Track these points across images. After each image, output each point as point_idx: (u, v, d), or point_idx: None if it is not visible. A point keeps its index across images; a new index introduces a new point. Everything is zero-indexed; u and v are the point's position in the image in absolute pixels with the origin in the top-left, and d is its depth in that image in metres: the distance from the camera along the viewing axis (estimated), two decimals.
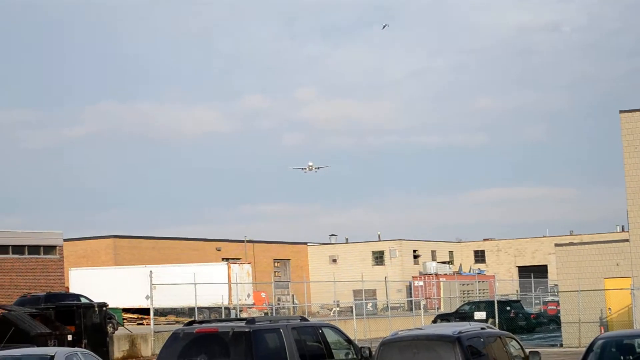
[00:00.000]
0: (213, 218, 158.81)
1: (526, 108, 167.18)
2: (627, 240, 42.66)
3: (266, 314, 76.67)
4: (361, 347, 20.12)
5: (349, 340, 20.42)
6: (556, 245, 44.41)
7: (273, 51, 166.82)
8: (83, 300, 48.64)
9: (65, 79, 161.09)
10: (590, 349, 16.98)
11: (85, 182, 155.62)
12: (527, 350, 19.05)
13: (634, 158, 43.45)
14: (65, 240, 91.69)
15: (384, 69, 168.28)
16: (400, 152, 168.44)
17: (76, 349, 24.37)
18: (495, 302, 54.33)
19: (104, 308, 43.34)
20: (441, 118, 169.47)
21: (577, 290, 41.82)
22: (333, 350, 19.56)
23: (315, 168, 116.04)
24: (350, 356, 20.00)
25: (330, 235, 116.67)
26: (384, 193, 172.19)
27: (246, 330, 17.89)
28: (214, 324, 18.96)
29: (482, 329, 18.34)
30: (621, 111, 44.75)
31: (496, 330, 20.16)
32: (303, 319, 19.93)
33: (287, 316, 23.52)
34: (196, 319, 32.00)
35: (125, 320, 70.45)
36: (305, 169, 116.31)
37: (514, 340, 18.86)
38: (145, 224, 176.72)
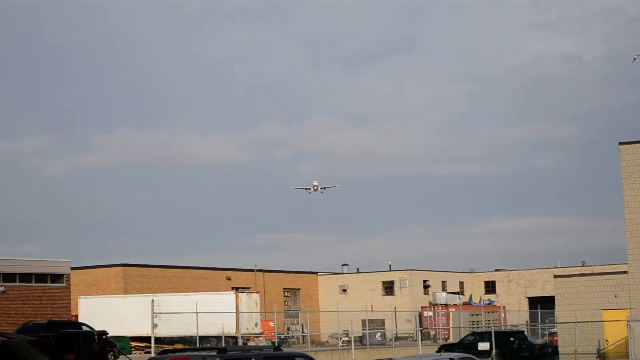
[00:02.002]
0: (224, 246, 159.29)
1: (539, 136, 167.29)
2: (625, 272, 42.70)
3: (273, 343, 76.73)
4: None
5: None
6: (555, 276, 44.50)
7: (292, 79, 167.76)
8: (85, 328, 48.83)
9: (82, 106, 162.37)
10: None
11: (97, 209, 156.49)
12: None
13: (632, 190, 43.54)
14: (75, 268, 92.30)
15: (402, 98, 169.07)
16: (415, 182, 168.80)
17: None
18: (492, 333, 54.34)
19: (104, 336, 43.62)
20: (455, 147, 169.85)
21: (574, 322, 41.82)
22: None
23: (321, 188, 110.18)
24: None
25: (343, 265, 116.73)
26: (397, 223, 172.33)
27: (217, 359, 18.13)
28: (186, 353, 19.22)
29: (451, 359, 18.54)
30: (620, 143, 44.81)
31: None
32: (277, 348, 20.14)
33: (261, 346, 23.70)
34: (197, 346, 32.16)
35: (132, 349, 70.73)
36: (309, 189, 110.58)
37: None
38: (156, 251, 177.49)
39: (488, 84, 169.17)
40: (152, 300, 51.33)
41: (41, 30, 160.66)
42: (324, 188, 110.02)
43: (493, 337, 53.49)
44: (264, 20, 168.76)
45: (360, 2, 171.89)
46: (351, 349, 56.45)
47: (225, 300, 78.15)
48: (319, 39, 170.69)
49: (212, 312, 61.70)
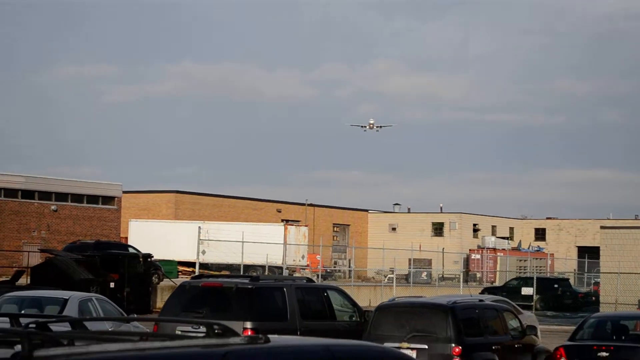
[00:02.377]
0: (277, 180, 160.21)
1: (604, 92, 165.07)
2: None
3: (319, 276, 77.35)
4: (365, 311, 20.52)
5: (354, 304, 20.82)
6: (601, 227, 44.24)
7: (359, 21, 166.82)
8: (131, 250, 49.59)
9: (150, 37, 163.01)
10: (581, 326, 17.19)
11: (157, 138, 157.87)
12: (524, 324, 19.30)
13: None
14: (128, 192, 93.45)
15: (469, 45, 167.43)
16: (474, 128, 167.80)
17: (91, 294, 25.08)
18: (535, 278, 54.29)
19: (149, 259, 44.32)
20: (520, 97, 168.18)
21: (617, 273, 41.65)
22: (336, 312, 19.97)
23: (377, 127, 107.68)
24: (353, 318, 20.38)
25: (394, 204, 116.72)
26: (453, 167, 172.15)
27: (249, 287, 18.38)
28: (220, 279, 19.48)
29: (481, 300, 18.63)
30: None
31: (497, 304, 20.39)
32: (309, 280, 20.38)
33: (295, 277, 23.99)
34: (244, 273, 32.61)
35: (180, 273, 71.75)
36: (365, 127, 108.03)
37: (512, 315, 19.10)
38: (210, 182, 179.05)
39: (557, 37, 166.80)
40: (199, 227, 51.84)
41: None
42: (380, 127, 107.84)
43: (535, 283, 53.47)
44: None
45: None
46: (393, 285, 56.80)
47: (273, 231, 78.65)
48: None
49: (257, 242, 62.23)
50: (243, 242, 54.08)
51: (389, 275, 75.49)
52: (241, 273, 54.28)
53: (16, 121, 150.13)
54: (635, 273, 41.23)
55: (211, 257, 74.02)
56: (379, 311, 17.84)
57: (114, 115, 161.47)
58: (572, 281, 67.43)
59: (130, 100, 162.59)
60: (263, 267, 72.34)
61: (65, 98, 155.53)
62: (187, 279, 51.09)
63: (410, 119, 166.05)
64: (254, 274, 67.58)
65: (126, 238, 77.32)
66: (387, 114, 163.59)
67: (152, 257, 45.03)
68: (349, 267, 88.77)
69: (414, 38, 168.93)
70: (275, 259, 71.48)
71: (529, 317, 28.68)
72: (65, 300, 20.62)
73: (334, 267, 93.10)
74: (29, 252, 53.61)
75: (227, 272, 76.42)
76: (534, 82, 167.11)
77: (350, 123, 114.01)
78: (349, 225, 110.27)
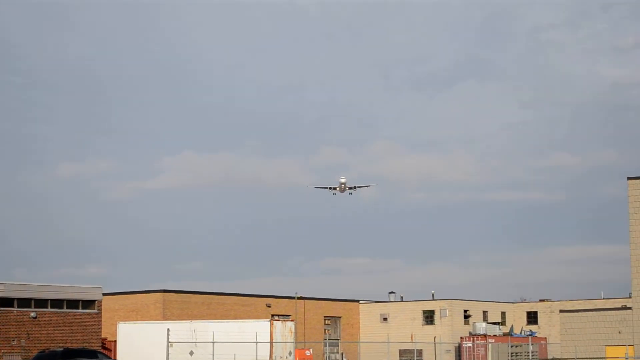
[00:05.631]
0: (267, 272, 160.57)
1: (606, 166, 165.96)
2: (629, 308, 42.64)
3: None
4: None
5: None
6: (561, 311, 44.53)
7: (363, 103, 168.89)
8: (100, 356, 49.92)
9: (149, 129, 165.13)
10: None
11: (148, 234, 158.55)
12: None
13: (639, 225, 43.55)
14: (117, 293, 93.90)
15: (470, 122, 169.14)
16: (471, 209, 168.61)
17: None
18: None
19: None
20: (518, 174, 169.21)
21: (574, 359, 41.87)
22: None
23: (350, 188, 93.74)
24: None
25: (389, 293, 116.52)
26: (449, 250, 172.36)
27: None
28: None
29: None
30: (629, 178, 44.78)
31: None
32: None
33: None
34: None
35: None
36: (335, 188, 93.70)
37: None
38: (199, 277, 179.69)
39: (561, 109, 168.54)
40: (168, 330, 52.13)
41: (120, 55, 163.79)
42: (354, 187, 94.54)
43: None
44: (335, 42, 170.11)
45: (433, 27, 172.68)
46: None
47: (260, 328, 78.80)
48: (391, 63, 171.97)
49: (236, 342, 62.50)
50: (213, 342, 54.31)
51: None
52: None
53: (16, 224, 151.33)
54: (593, 358, 41.44)
55: (200, 357, 74.16)
56: None
57: (106, 211, 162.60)
58: None
59: (121, 195, 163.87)
60: None
61: (62, 197, 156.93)
62: None
63: (410, 201, 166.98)
64: None
65: (114, 341, 77.55)
66: (388, 197, 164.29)
67: None
68: None
69: (413, 117, 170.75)
70: (264, 355, 71.71)
71: None
72: None
73: None
74: None
75: None
76: (532, 156, 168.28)
77: (315, 185, 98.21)
78: (340, 317, 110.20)
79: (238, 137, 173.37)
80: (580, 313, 44.50)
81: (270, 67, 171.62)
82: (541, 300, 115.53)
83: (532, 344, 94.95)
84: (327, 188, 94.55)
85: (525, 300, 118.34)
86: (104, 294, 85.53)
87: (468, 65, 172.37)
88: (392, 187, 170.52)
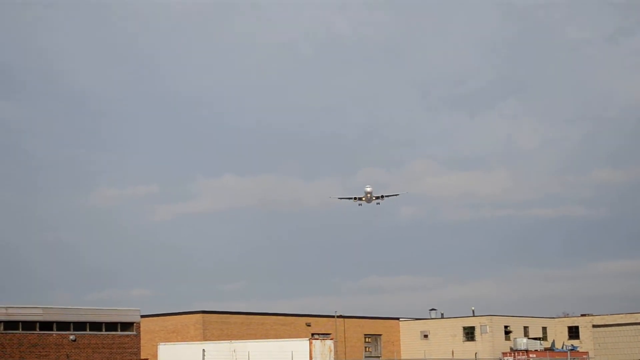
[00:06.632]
0: (307, 291, 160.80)
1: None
2: None
3: None
4: None
5: None
6: (594, 326, 44.23)
7: (403, 122, 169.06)
8: None
9: (188, 153, 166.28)
10: None
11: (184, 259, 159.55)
12: None
13: None
14: (156, 315, 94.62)
15: (511, 140, 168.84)
16: (512, 226, 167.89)
17: None
18: None
19: None
20: (558, 190, 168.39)
21: None
22: None
23: (376, 197, 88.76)
24: None
25: (430, 310, 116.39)
26: (490, 266, 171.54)
27: None
28: None
29: None
30: None
31: None
32: None
33: None
34: None
35: None
36: (361, 198, 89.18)
37: None
38: (237, 297, 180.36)
39: (601, 124, 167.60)
40: (203, 350, 52.59)
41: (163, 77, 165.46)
42: (381, 197, 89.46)
43: None
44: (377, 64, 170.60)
45: (471, 45, 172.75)
46: None
47: (299, 347, 79.15)
48: (430, 82, 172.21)
49: None
50: None
51: None
52: None
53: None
54: None
55: None
56: None
57: (140, 236, 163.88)
58: None
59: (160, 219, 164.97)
60: None
61: (103, 220, 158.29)
62: None
63: (451, 218, 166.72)
64: None
65: None
66: (427, 215, 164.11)
67: None
68: None
69: (454, 135, 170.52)
70: None
71: None
72: None
73: None
74: None
75: None
76: (576, 174, 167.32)
77: (337, 196, 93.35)
78: (380, 334, 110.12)
79: (277, 159, 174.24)
80: (613, 327, 44.28)
81: (311, 89, 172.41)
82: (582, 315, 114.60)
83: (573, 359, 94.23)
84: (351, 198, 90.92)
85: (567, 315, 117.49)
86: (144, 316, 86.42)
87: (507, 83, 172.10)
88: (432, 204, 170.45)
